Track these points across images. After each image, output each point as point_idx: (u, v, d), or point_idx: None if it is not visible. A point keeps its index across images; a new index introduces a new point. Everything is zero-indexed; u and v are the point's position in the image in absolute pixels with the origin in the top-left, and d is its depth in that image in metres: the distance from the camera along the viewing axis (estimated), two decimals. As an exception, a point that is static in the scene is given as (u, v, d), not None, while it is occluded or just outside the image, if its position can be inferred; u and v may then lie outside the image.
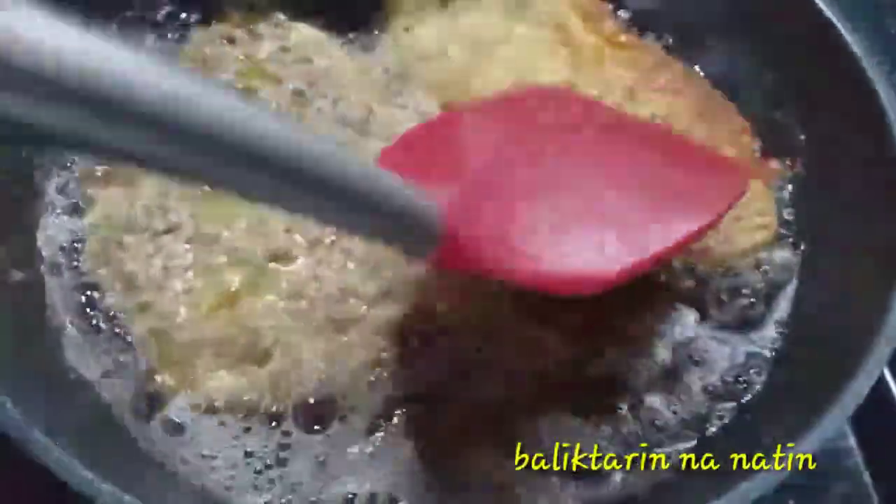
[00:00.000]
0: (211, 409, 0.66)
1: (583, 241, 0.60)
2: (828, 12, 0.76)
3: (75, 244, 0.73)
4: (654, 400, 0.69)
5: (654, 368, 0.71)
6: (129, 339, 0.69)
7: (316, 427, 0.66)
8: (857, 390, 0.58)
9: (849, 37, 0.74)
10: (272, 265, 0.71)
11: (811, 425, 0.57)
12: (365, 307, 0.70)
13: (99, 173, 0.75)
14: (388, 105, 0.82)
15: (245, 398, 0.66)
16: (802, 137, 0.80)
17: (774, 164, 0.82)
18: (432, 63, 0.86)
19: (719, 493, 0.56)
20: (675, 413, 0.69)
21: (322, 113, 0.80)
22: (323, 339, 0.69)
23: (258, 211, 0.73)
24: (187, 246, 0.72)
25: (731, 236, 0.77)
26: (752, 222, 0.78)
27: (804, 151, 0.80)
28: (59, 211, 0.74)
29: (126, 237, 0.72)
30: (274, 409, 0.66)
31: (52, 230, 0.73)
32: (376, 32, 0.87)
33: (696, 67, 0.88)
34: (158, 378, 0.67)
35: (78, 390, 0.66)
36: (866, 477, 0.75)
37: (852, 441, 0.76)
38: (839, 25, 0.75)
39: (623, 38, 0.89)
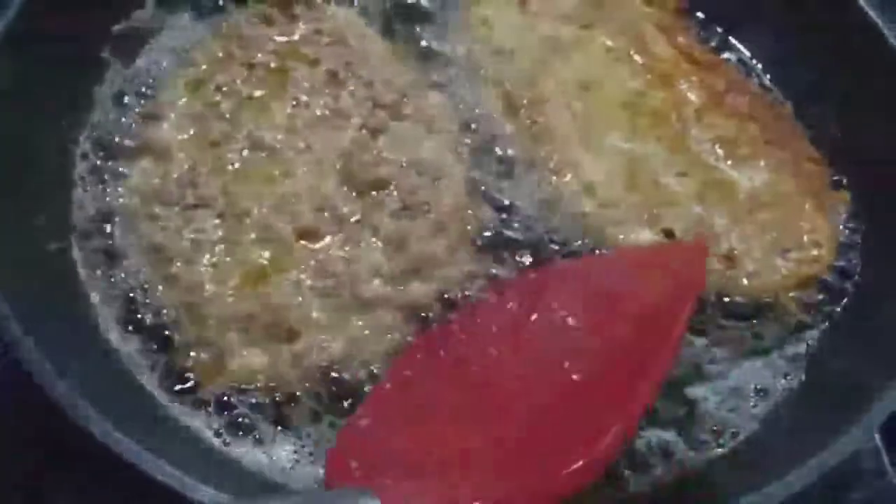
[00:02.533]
0: (239, 386, 0.66)
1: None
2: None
3: (107, 216, 0.73)
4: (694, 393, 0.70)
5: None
6: (156, 309, 0.69)
7: (345, 405, 0.66)
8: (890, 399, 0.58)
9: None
10: (300, 243, 0.71)
11: (840, 432, 0.59)
12: (391, 287, 0.70)
13: (133, 145, 0.76)
14: (422, 88, 0.83)
15: (274, 375, 0.67)
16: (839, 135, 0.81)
17: (842, 193, 0.81)
18: (503, 57, 0.86)
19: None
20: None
21: (356, 95, 0.80)
22: (350, 319, 0.69)
23: (288, 188, 0.74)
24: (217, 221, 0.72)
25: (781, 269, 0.76)
26: (807, 255, 0.77)
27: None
28: (92, 183, 0.74)
29: (156, 209, 0.72)
30: (301, 386, 0.67)
31: (86, 202, 0.73)
32: (448, 17, 0.88)
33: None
34: (188, 353, 0.67)
35: (111, 360, 0.67)
36: (891, 476, 0.74)
37: (877, 440, 0.75)
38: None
39: (698, 53, 0.89)
